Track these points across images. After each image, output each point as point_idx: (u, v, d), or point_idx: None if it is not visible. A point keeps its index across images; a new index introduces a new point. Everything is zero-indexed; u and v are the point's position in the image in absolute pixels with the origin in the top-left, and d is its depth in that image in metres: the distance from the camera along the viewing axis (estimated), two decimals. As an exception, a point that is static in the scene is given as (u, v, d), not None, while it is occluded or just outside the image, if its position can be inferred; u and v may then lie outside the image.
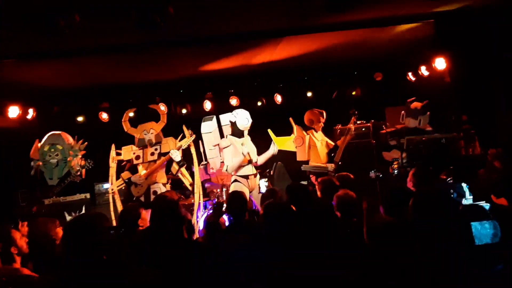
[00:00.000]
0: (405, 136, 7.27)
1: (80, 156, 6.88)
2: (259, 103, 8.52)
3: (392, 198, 3.17)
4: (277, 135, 7.32)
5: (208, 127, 6.77)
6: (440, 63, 7.08)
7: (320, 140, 7.08)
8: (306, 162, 7.00)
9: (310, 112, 7.11)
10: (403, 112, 7.59)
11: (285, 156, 8.03)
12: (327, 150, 7.08)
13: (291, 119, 7.11)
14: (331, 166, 6.78)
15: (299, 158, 7.05)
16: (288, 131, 7.24)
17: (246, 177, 6.63)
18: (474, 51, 5.70)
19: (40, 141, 6.87)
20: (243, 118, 6.58)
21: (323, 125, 7.13)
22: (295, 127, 7.09)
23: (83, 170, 6.82)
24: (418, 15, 5.90)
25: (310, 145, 6.99)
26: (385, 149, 7.41)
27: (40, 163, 6.74)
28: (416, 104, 7.45)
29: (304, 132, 7.03)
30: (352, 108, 7.22)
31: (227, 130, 6.74)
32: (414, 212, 2.17)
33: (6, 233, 3.24)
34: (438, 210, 2.09)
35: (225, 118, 6.76)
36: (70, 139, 6.95)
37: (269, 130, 7.22)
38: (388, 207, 3.16)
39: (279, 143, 7.25)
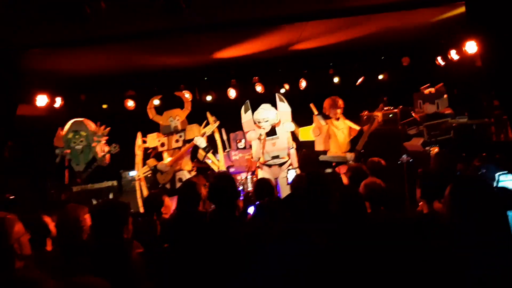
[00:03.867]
0: (424, 123, 7.13)
1: (103, 142, 6.99)
2: (283, 90, 8.42)
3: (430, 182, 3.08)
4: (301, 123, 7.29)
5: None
6: (471, 47, 6.85)
7: (341, 128, 6.94)
8: (323, 153, 6.92)
9: (326, 100, 7.02)
10: (419, 100, 7.44)
11: (310, 144, 7.98)
12: (350, 137, 6.96)
13: (312, 106, 7.02)
14: (350, 156, 6.68)
15: (317, 148, 7.01)
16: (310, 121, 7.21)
17: (269, 165, 6.75)
18: (507, 34, 5.48)
19: (62, 129, 6.99)
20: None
21: (340, 112, 6.99)
22: (314, 116, 6.99)
23: (108, 155, 6.92)
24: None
25: (330, 134, 6.88)
26: (406, 140, 7.26)
27: (68, 151, 6.86)
28: (430, 90, 7.30)
29: (323, 122, 6.90)
30: (381, 96, 7.08)
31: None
32: (451, 201, 2.08)
33: (38, 220, 3.30)
34: (477, 199, 2.01)
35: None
36: (92, 125, 7.05)
37: (293, 123, 7.19)
38: (427, 191, 3.07)
39: (303, 134, 7.20)
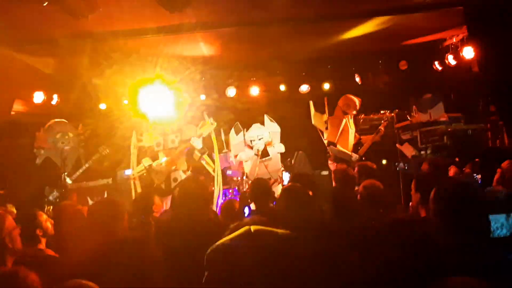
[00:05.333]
0: (418, 129, 7.17)
1: (83, 144, 6.99)
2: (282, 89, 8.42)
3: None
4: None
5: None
6: (468, 52, 6.87)
7: (352, 128, 7.05)
8: (333, 144, 6.95)
9: (346, 97, 7.05)
10: (414, 106, 7.49)
11: (306, 145, 7.97)
12: (355, 141, 7.04)
13: (345, 97, 7.08)
14: (355, 157, 6.71)
15: (328, 138, 7.02)
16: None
17: None
18: (504, 40, 5.51)
19: (40, 131, 6.95)
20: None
21: (356, 113, 7.07)
22: (338, 108, 7.01)
23: (98, 156, 6.90)
24: (447, 2, 5.72)
25: (343, 130, 6.95)
26: (399, 142, 7.32)
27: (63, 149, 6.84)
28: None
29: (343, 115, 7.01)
30: (388, 110, 7.19)
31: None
32: (434, 205, 2.12)
33: (32, 216, 3.30)
34: (458, 203, 2.04)
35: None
36: (74, 127, 7.07)
37: (310, 102, 7.19)
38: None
39: (314, 118, 7.23)
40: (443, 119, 7.24)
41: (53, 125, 7.02)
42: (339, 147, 6.91)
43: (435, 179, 3.65)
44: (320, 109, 7.39)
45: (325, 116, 7.23)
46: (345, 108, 7.02)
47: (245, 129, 7.04)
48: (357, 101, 7.06)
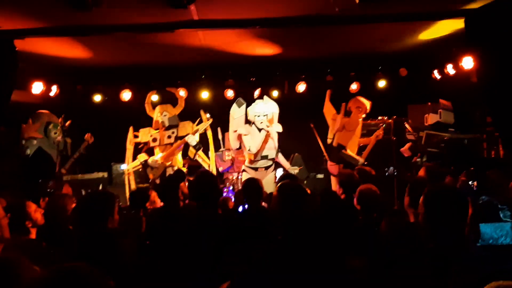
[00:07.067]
0: (425, 130, 7.17)
1: (66, 134, 7.02)
2: (277, 93, 8.42)
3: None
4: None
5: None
6: (468, 62, 6.91)
7: (359, 132, 7.04)
8: (343, 147, 6.93)
9: (356, 100, 7.02)
10: (426, 115, 7.50)
11: (302, 148, 7.99)
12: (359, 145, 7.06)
13: (358, 99, 7.11)
14: (361, 161, 6.70)
15: (339, 140, 6.95)
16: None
17: (255, 169, 6.75)
18: (504, 52, 5.54)
19: (33, 121, 6.95)
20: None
21: (365, 116, 7.07)
22: (366, 103, 6.99)
23: (84, 146, 6.92)
24: (448, 11, 5.74)
25: (355, 135, 6.95)
26: (402, 145, 7.34)
27: (61, 140, 6.84)
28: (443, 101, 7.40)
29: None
30: (384, 116, 7.21)
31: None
32: (425, 208, 2.14)
33: (20, 206, 3.29)
34: (449, 208, 2.05)
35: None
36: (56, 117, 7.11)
37: (328, 91, 7.27)
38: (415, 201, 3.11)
39: (326, 107, 7.19)
40: (450, 129, 7.27)
41: (39, 115, 7.02)
42: (349, 151, 6.88)
43: (427, 185, 3.67)
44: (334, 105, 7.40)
45: (339, 116, 7.15)
46: (356, 112, 7.00)
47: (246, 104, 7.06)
48: (367, 103, 7.05)
